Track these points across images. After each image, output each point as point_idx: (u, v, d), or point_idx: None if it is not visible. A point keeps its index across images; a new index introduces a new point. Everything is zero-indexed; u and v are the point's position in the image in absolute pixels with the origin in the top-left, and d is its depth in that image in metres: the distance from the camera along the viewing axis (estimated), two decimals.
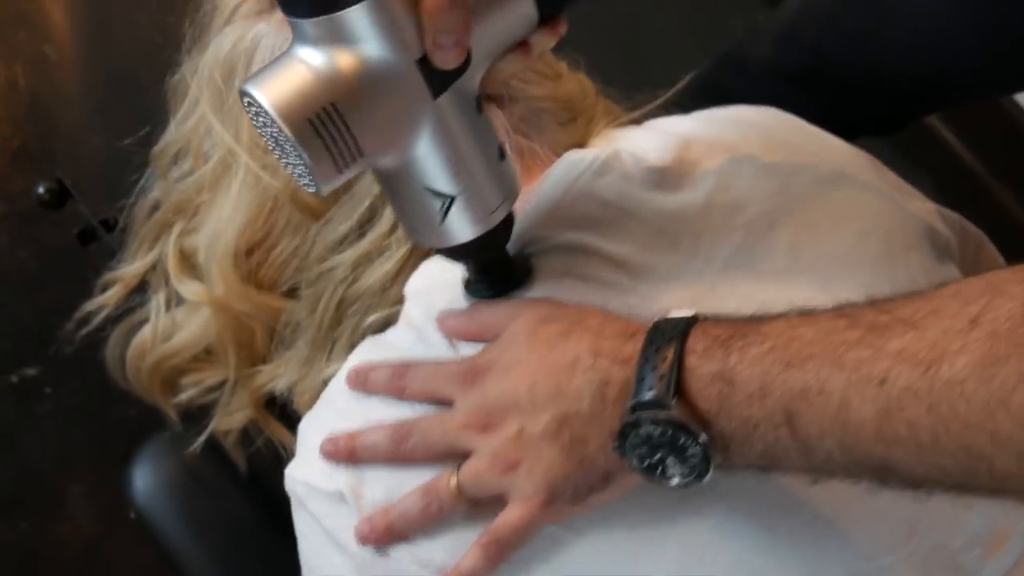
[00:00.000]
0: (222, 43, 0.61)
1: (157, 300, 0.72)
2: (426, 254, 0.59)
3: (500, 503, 0.48)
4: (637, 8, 1.32)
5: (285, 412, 0.72)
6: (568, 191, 0.55)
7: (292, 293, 0.65)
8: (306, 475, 0.53)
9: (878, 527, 0.49)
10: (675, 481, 0.43)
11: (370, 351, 0.56)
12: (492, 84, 0.54)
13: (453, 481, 0.48)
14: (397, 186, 0.49)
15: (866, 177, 0.61)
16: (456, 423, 0.49)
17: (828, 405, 0.38)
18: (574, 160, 0.56)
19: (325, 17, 0.42)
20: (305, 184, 0.45)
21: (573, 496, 0.47)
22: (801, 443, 0.39)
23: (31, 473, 1.02)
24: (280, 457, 0.74)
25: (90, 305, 0.75)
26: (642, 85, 0.70)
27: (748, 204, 0.55)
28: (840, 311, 0.40)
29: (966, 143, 1.19)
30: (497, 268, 0.53)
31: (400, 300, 0.59)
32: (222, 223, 0.64)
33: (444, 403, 0.51)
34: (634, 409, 0.42)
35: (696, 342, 0.42)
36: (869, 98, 0.85)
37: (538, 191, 0.56)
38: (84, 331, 0.75)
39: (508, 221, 0.51)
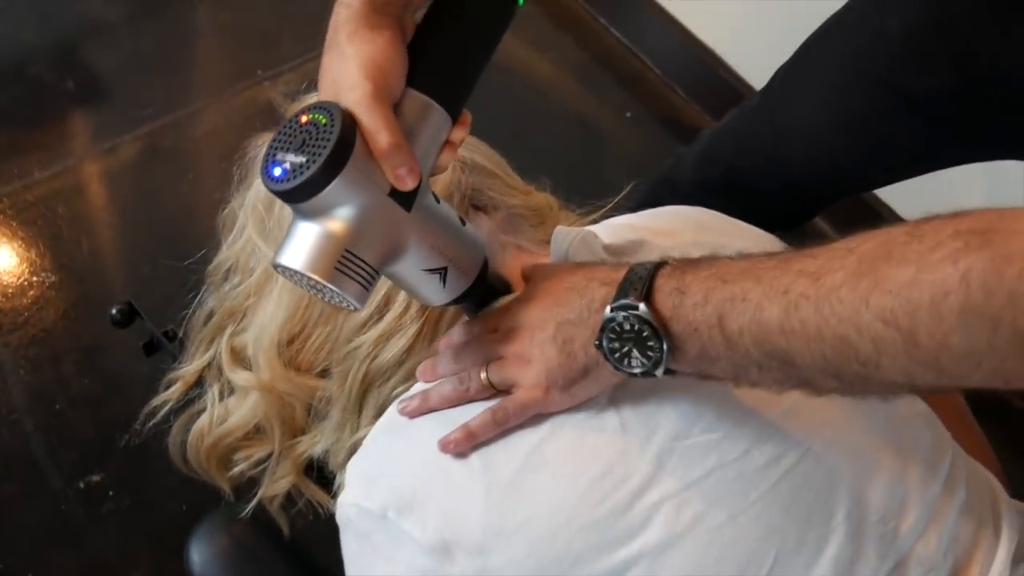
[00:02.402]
0: (262, 183, 0.79)
1: (213, 392, 0.87)
2: (434, 336, 0.75)
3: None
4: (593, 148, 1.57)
5: (321, 476, 0.87)
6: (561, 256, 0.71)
7: (325, 373, 0.79)
8: (354, 498, 0.65)
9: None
10: (637, 370, 0.58)
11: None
12: (479, 196, 0.72)
13: (484, 374, 0.64)
14: (405, 277, 0.65)
15: (776, 247, 0.77)
16: (495, 339, 0.65)
17: (747, 308, 0.53)
18: (562, 231, 0.72)
19: (316, 197, 0.57)
20: (346, 306, 0.60)
21: (563, 385, 0.61)
22: (727, 339, 0.54)
23: (98, 565, 1.16)
24: (318, 515, 0.88)
25: (156, 401, 0.89)
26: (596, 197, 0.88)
27: None
28: (767, 253, 0.56)
29: (838, 230, 1.40)
30: (489, 299, 0.69)
31: (413, 377, 0.73)
32: (266, 320, 0.79)
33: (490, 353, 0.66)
34: (612, 310, 0.57)
35: (664, 270, 0.58)
36: (778, 201, 1.02)
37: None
38: (152, 423, 0.90)
39: (486, 265, 0.67)
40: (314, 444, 0.81)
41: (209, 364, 0.87)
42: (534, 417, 0.63)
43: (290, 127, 0.59)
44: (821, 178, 0.99)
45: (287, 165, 0.58)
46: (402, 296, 0.73)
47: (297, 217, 0.59)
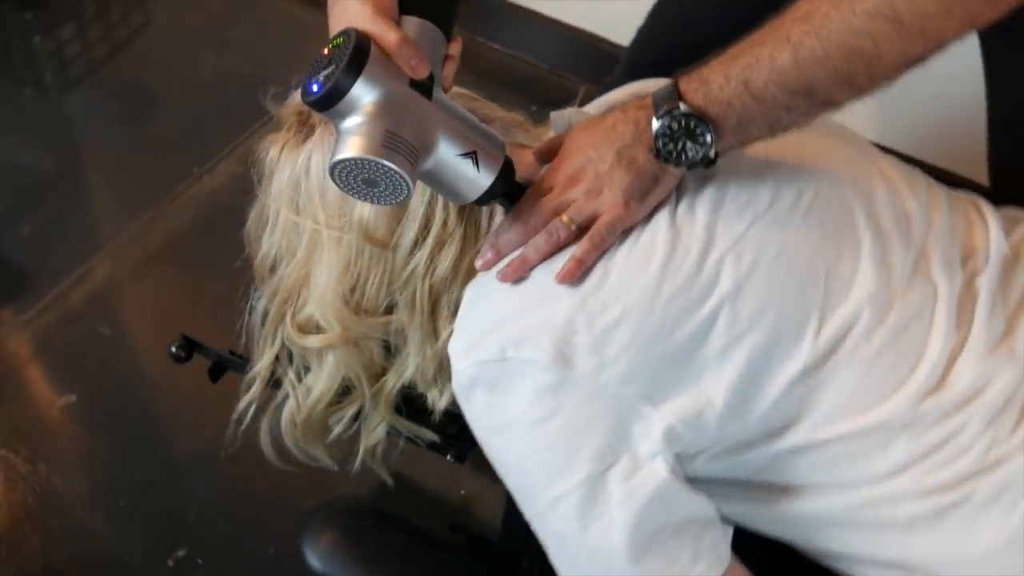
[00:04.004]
0: (284, 170, 0.87)
1: (289, 378, 0.94)
2: (477, 236, 0.84)
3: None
4: None
5: (411, 414, 0.94)
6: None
7: (391, 308, 0.87)
8: (471, 359, 0.74)
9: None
10: (696, 157, 0.70)
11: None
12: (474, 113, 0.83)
13: (565, 217, 0.74)
14: (443, 166, 0.74)
15: None
16: (555, 193, 0.75)
17: (763, 66, 0.67)
18: (559, 113, 0.84)
19: (345, 99, 0.69)
20: (397, 194, 0.71)
21: (640, 197, 0.73)
22: (756, 98, 0.68)
23: None
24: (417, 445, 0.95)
25: (241, 404, 0.96)
26: None
27: None
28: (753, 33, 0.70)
29: None
30: (518, 193, 0.79)
31: (473, 272, 0.83)
32: (323, 283, 0.87)
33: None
34: (659, 118, 0.70)
35: (681, 79, 0.72)
36: None
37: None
38: (243, 427, 0.96)
39: (509, 161, 0.77)
40: (402, 374, 0.89)
41: (278, 358, 0.95)
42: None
43: (317, 60, 0.72)
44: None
45: (320, 79, 0.70)
46: (439, 210, 0.83)
47: (338, 123, 0.70)
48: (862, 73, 0.66)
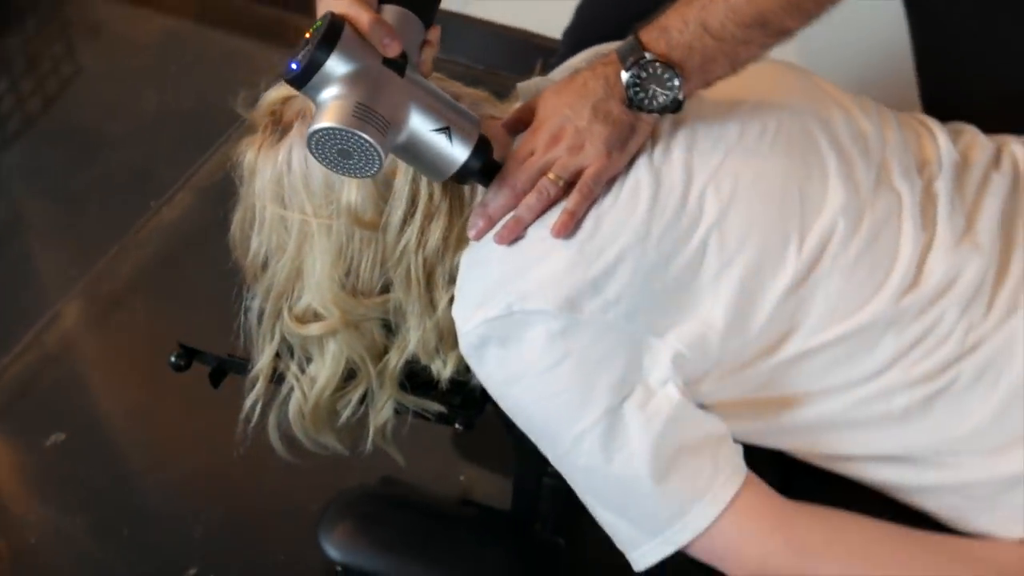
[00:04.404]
0: (265, 169, 0.89)
1: (292, 371, 0.96)
2: (462, 208, 0.88)
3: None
4: None
5: (415, 383, 0.97)
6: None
7: (387, 288, 0.90)
8: (477, 319, 0.77)
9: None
10: (665, 100, 0.75)
11: None
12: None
13: (552, 174, 0.78)
14: (417, 146, 0.78)
15: None
16: (539, 154, 0.79)
17: (717, 4, 0.73)
18: (526, 83, 0.88)
19: (320, 72, 0.73)
20: (369, 165, 0.74)
21: (620, 146, 0.77)
22: (715, 36, 0.73)
23: None
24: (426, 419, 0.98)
25: (247, 403, 0.98)
26: None
27: None
28: None
29: None
30: (494, 170, 0.82)
31: (465, 240, 0.86)
32: (318, 272, 0.89)
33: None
34: (627, 70, 0.74)
35: (641, 30, 0.76)
36: None
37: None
38: (251, 425, 0.98)
39: (484, 138, 0.80)
40: (404, 350, 0.91)
41: (278, 354, 0.97)
42: None
43: (300, 45, 0.75)
44: None
45: (298, 58, 0.74)
46: (424, 186, 0.86)
47: (315, 98, 0.75)
48: None
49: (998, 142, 0.89)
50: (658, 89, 0.75)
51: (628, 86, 0.76)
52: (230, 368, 1.02)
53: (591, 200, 0.78)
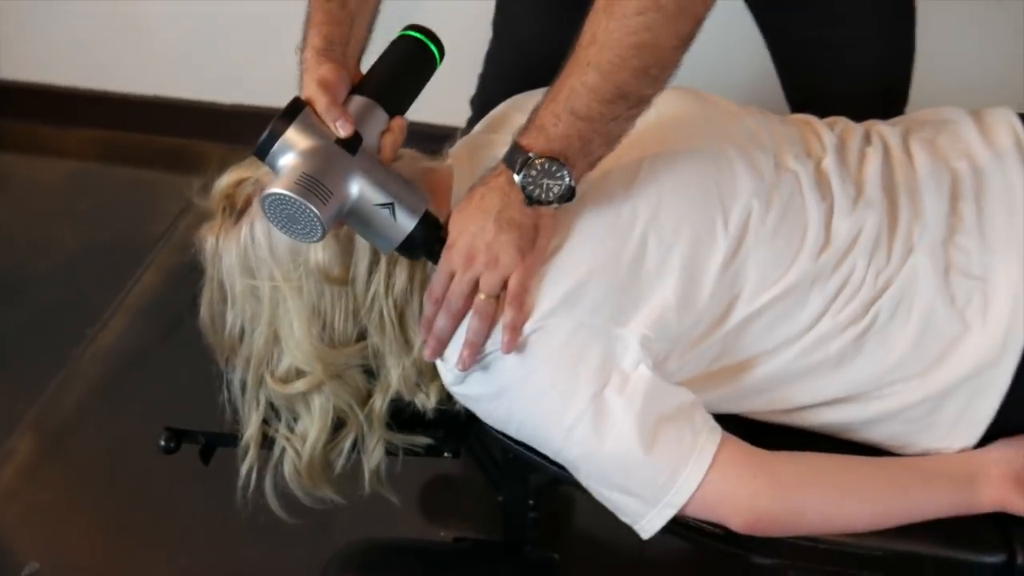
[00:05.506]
0: (230, 248, 0.95)
1: (281, 432, 1.01)
2: (425, 264, 0.95)
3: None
4: None
5: (400, 421, 1.03)
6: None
7: (362, 335, 0.96)
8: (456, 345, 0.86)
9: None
10: (560, 190, 0.82)
11: None
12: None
13: (481, 296, 0.85)
14: (363, 217, 0.85)
15: None
16: (459, 275, 0.85)
17: (578, 91, 0.80)
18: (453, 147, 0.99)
19: (278, 143, 0.83)
20: (312, 231, 0.81)
21: (530, 247, 0.84)
22: (586, 119, 0.81)
23: None
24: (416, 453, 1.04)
25: (243, 470, 1.02)
26: None
27: None
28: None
29: None
30: (438, 246, 0.88)
31: (426, 280, 0.94)
32: (296, 332, 0.94)
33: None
34: (517, 173, 0.82)
35: (519, 137, 0.84)
36: None
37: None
38: (250, 490, 1.02)
39: (430, 214, 0.87)
40: (388, 388, 0.97)
41: (265, 420, 1.02)
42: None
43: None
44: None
45: (263, 135, 0.84)
46: None
47: (275, 166, 0.84)
48: (653, 63, 0.80)
49: (865, 126, 1.04)
50: (550, 182, 0.83)
51: (523, 187, 0.83)
52: (220, 442, 1.06)
53: (526, 311, 0.85)
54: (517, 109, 1.05)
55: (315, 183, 0.82)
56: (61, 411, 1.59)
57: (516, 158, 0.83)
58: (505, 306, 0.85)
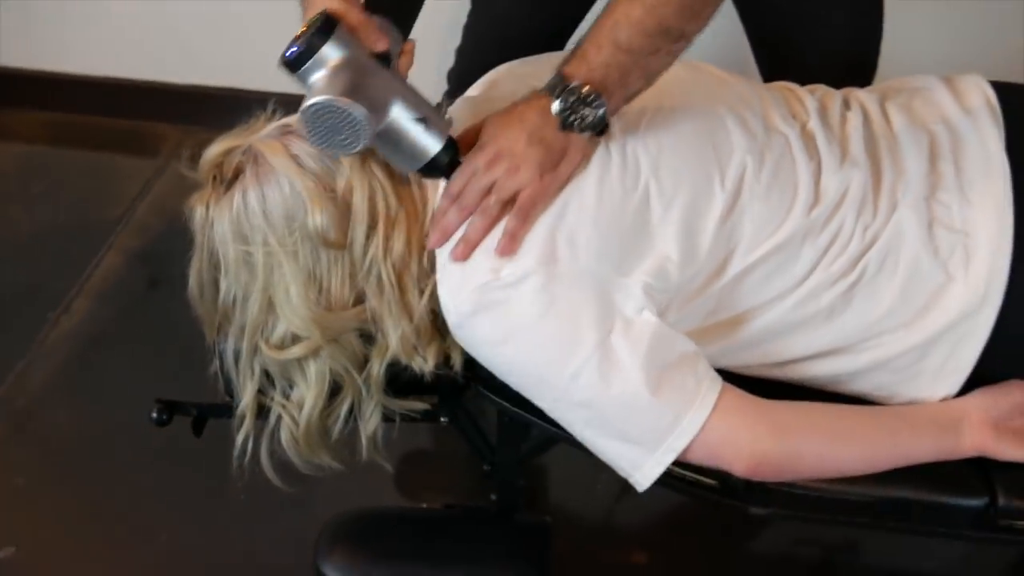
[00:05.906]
0: (222, 215, 0.94)
1: (277, 400, 1.01)
2: (417, 213, 0.97)
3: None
4: None
5: (396, 386, 1.03)
6: None
7: (360, 299, 0.96)
8: (469, 286, 0.87)
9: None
10: (593, 120, 0.86)
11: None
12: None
13: (492, 198, 0.87)
14: (397, 133, 0.86)
15: None
16: (480, 174, 0.88)
17: (621, 23, 0.84)
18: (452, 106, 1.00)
19: (315, 57, 0.83)
20: (355, 141, 0.82)
21: (551, 169, 0.87)
22: (628, 51, 0.84)
23: None
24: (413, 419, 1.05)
25: (238, 440, 1.01)
26: None
27: None
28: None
29: None
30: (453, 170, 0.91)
31: (423, 244, 0.95)
32: (290, 299, 0.94)
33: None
34: (556, 98, 0.85)
35: (564, 65, 0.87)
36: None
37: None
38: (246, 459, 1.01)
39: (453, 138, 0.90)
40: (385, 352, 0.97)
41: (261, 390, 1.01)
42: None
43: (295, 38, 0.85)
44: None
45: (295, 46, 0.83)
46: (380, 201, 0.93)
47: (308, 80, 0.83)
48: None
49: (843, 92, 1.08)
50: (586, 110, 0.86)
51: (559, 111, 0.87)
52: (213, 413, 1.05)
53: (529, 222, 0.87)
54: (513, 74, 1.06)
55: (363, 92, 0.82)
56: (28, 395, 1.55)
57: (556, 85, 0.87)
58: (512, 214, 0.87)
